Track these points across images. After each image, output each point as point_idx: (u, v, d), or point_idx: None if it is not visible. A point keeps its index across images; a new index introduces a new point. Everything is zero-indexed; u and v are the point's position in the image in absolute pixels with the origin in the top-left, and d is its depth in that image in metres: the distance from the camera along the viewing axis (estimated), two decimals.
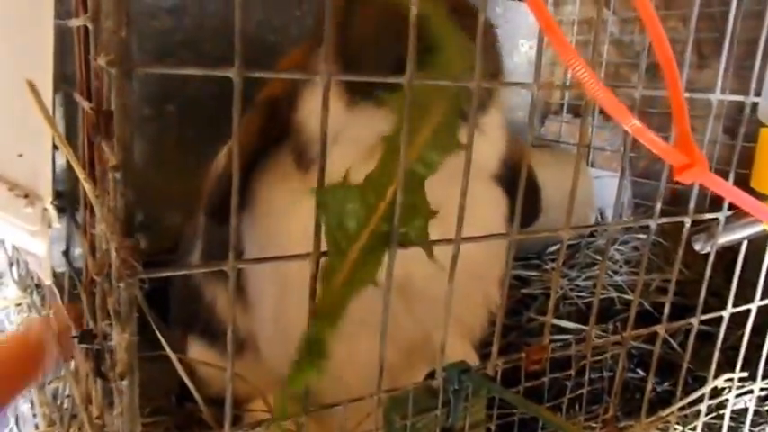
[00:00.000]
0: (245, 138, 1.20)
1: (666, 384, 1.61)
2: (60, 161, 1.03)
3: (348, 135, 1.03)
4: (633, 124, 0.73)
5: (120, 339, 0.67)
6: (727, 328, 1.23)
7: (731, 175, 1.11)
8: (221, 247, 1.22)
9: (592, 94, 0.72)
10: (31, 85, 0.87)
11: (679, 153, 0.74)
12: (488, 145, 1.14)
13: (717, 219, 1.13)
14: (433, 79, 0.77)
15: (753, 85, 1.08)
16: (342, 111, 1.03)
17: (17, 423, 1.49)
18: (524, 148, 1.31)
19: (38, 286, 1.46)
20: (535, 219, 1.33)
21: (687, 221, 1.07)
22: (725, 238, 1.14)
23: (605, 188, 2.47)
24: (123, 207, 0.64)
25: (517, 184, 1.26)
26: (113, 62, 0.60)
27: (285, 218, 1.12)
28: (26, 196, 0.96)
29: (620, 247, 2.27)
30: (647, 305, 1.86)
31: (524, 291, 2.05)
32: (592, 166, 2.58)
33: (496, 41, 1.16)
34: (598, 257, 2.25)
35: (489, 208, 1.23)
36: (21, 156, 0.95)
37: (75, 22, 0.91)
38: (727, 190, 0.80)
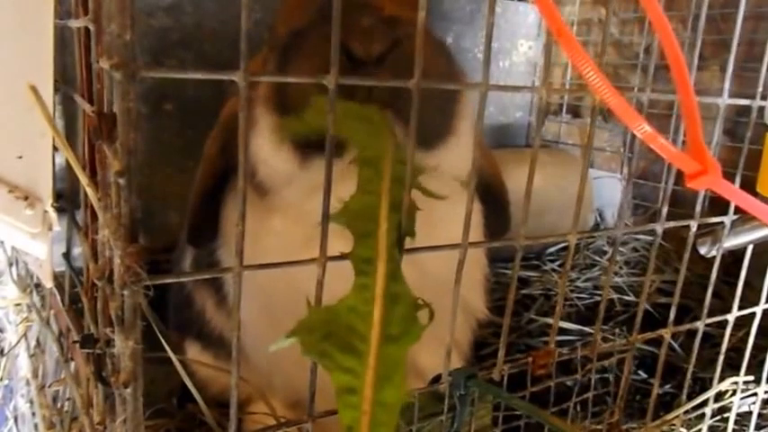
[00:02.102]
0: (208, 161, 1.23)
1: (668, 386, 1.60)
2: (60, 160, 1.01)
3: (300, 182, 1.05)
4: (644, 130, 0.72)
5: (123, 347, 0.66)
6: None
7: (737, 178, 1.10)
8: (209, 256, 1.26)
9: (603, 98, 0.71)
10: (34, 90, 0.85)
11: (691, 160, 0.73)
12: (457, 162, 1.12)
13: (722, 222, 1.13)
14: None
15: (759, 89, 1.07)
16: (294, 162, 1.05)
17: (16, 422, 1.48)
18: (494, 160, 1.35)
19: (37, 286, 1.44)
20: (506, 230, 1.34)
21: (693, 225, 1.06)
22: (730, 242, 1.13)
23: (603, 188, 2.47)
24: (128, 213, 0.63)
25: (488, 193, 1.28)
26: (118, 66, 0.59)
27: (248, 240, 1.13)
28: (26, 198, 0.95)
29: (620, 248, 2.26)
30: (647, 306, 1.85)
31: (524, 292, 2.05)
32: (591, 166, 2.57)
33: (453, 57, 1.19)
34: (598, 258, 2.24)
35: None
36: (20, 157, 0.94)
37: (75, 23, 0.89)
38: (741, 197, 0.79)
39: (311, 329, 0.73)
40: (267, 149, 1.06)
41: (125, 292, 0.64)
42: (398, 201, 0.78)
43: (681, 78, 0.73)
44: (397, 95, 0.90)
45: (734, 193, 0.77)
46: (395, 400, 0.72)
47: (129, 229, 0.63)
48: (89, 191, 0.77)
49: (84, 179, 0.78)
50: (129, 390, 0.67)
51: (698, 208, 1.06)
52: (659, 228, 1.02)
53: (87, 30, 0.84)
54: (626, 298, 1.99)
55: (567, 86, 2.65)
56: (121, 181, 0.62)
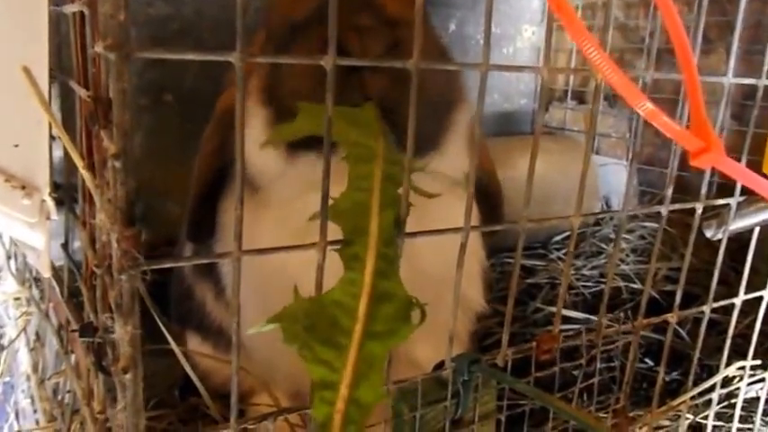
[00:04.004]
0: (205, 158, 1.23)
1: (674, 374, 1.59)
2: (57, 152, 1.01)
3: (288, 179, 1.07)
4: (646, 107, 0.71)
5: (122, 333, 0.66)
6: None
7: (743, 161, 1.08)
8: (207, 250, 1.26)
9: (604, 75, 0.70)
10: (27, 71, 0.84)
11: (694, 137, 0.72)
12: (451, 163, 1.13)
13: (728, 205, 1.11)
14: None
15: (765, 68, 1.06)
16: (282, 159, 1.06)
17: (17, 418, 1.47)
18: (491, 158, 1.37)
19: (36, 280, 1.44)
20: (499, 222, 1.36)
21: (699, 207, 1.05)
22: (737, 225, 1.11)
23: (610, 175, 2.45)
24: (124, 196, 0.62)
25: (483, 189, 1.30)
26: (112, 47, 0.59)
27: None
28: (23, 187, 0.94)
29: (626, 236, 2.25)
30: (654, 294, 1.84)
31: (530, 281, 2.04)
32: (596, 153, 2.56)
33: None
34: (604, 246, 2.23)
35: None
36: (17, 146, 0.93)
37: (70, 8, 0.89)
38: (745, 175, 0.77)
39: (295, 318, 0.72)
40: (255, 147, 1.06)
41: (123, 277, 0.63)
42: (391, 198, 0.78)
43: (683, 55, 0.72)
44: (392, 101, 0.90)
45: (737, 171, 0.75)
46: (370, 399, 0.72)
47: (126, 213, 0.63)
48: (85, 174, 0.76)
49: (80, 163, 0.77)
50: (128, 376, 0.67)
51: (703, 190, 1.05)
52: (664, 210, 1.01)
53: (82, 15, 0.83)
54: (633, 286, 1.98)
55: (573, 76, 2.64)
56: (117, 164, 0.61)
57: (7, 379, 1.57)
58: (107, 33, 0.59)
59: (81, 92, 0.86)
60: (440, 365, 0.91)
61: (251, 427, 0.81)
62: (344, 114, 0.83)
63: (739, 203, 1.10)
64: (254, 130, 1.06)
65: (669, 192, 1.02)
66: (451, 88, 1.14)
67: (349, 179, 0.78)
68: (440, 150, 1.10)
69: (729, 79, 1.01)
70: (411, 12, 0.73)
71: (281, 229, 1.10)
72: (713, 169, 0.90)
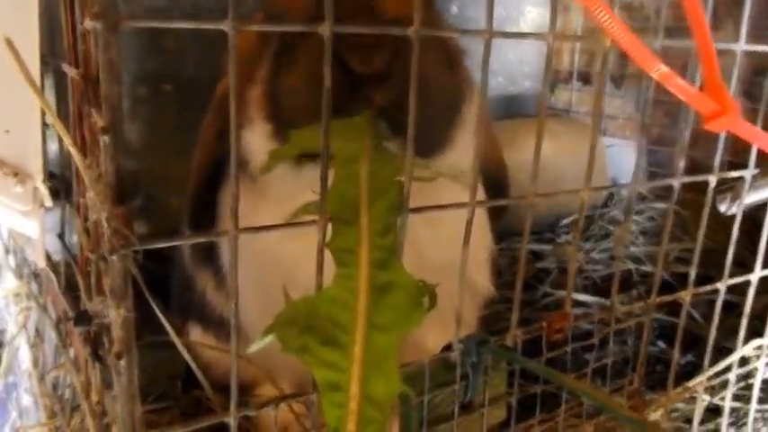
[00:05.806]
0: (205, 146, 1.21)
1: (689, 356, 1.56)
2: (53, 146, 1.00)
3: (290, 180, 1.04)
4: (660, 70, 0.68)
5: (115, 316, 0.64)
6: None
7: None
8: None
9: (615, 39, 0.67)
10: (9, 43, 0.81)
11: (709, 99, 0.69)
12: (460, 157, 1.11)
13: (742, 178, 1.08)
14: None
15: None
16: (287, 167, 1.03)
17: (20, 417, 1.46)
18: (498, 145, 1.38)
19: (35, 275, 1.42)
20: (504, 211, 1.38)
21: (712, 180, 1.02)
22: (751, 198, 1.08)
23: (618, 157, 2.42)
24: (114, 172, 0.61)
25: (491, 178, 1.30)
26: (98, 15, 0.57)
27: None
28: (15, 175, 0.92)
29: (636, 218, 2.22)
30: (666, 276, 1.81)
31: (539, 265, 2.01)
32: (604, 134, 2.53)
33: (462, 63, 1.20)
34: (613, 228, 2.19)
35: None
36: (8, 132, 0.91)
37: None
38: (761, 137, 0.74)
39: (290, 322, 0.70)
40: (258, 145, 1.07)
41: (114, 258, 0.61)
42: (383, 189, 0.77)
43: (696, 18, 0.69)
44: (399, 111, 0.88)
45: (753, 134, 0.73)
46: (385, 393, 0.69)
47: (116, 190, 0.61)
48: (73, 151, 0.74)
49: (67, 139, 0.75)
50: (122, 361, 0.65)
51: (716, 162, 1.02)
52: (676, 183, 0.98)
53: None
54: (643, 268, 1.95)
55: (579, 57, 2.61)
56: (106, 138, 0.60)
57: (10, 378, 1.56)
58: (94, 2, 0.57)
59: (71, 72, 0.84)
60: (448, 347, 0.89)
61: (252, 415, 0.79)
62: (339, 127, 0.81)
63: (754, 176, 1.07)
64: (258, 134, 1.07)
65: (681, 164, 0.99)
66: (460, 87, 1.13)
67: (335, 179, 0.77)
68: (451, 148, 1.10)
69: (741, 47, 0.97)
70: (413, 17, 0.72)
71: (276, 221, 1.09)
72: (724, 148, 0.88)
